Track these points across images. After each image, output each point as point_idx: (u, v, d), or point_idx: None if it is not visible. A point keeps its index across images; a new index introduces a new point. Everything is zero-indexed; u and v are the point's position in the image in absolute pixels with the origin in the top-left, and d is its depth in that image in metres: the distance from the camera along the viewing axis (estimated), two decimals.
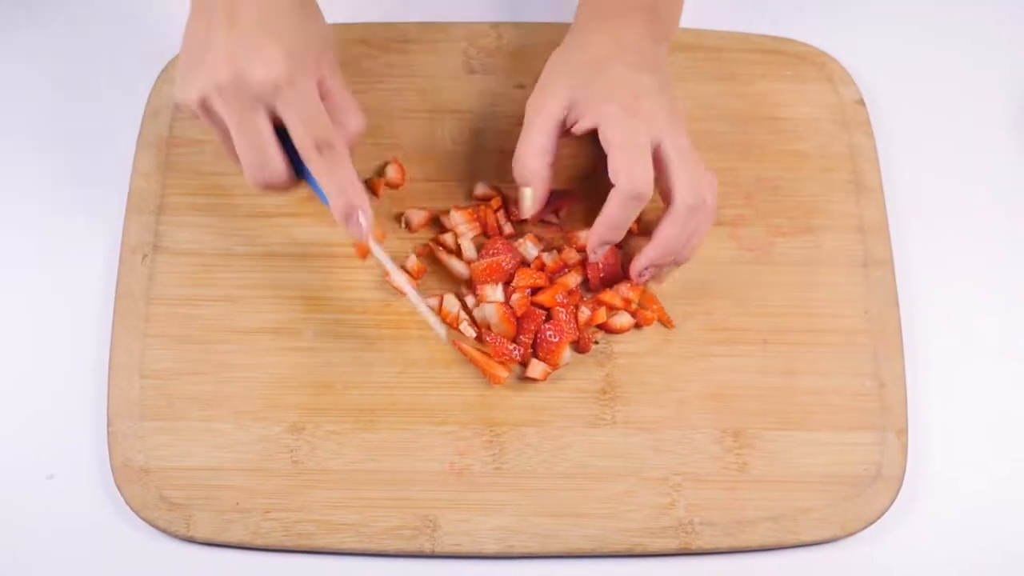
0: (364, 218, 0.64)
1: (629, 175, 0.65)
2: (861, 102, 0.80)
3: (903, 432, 0.71)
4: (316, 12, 0.68)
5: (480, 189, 0.76)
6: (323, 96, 0.65)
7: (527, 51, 0.81)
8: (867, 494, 0.69)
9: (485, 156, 0.77)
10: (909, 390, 0.72)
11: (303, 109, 0.63)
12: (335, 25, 0.80)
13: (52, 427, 0.71)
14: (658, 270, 0.71)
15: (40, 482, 0.70)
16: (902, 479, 0.70)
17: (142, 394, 0.70)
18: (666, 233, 0.68)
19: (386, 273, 0.70)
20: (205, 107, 0.64)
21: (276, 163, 0.64)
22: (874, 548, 0.69)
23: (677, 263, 0.73)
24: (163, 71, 0.80)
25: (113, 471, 0.69)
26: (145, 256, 0.74)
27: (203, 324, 0.72)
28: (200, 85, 0.63)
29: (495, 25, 0.82)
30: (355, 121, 0.66)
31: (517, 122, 0.78)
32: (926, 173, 0.80)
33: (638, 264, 0.70)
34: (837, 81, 0.81)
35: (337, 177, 0.64)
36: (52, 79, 0.81)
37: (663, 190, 0.68)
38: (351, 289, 0.74)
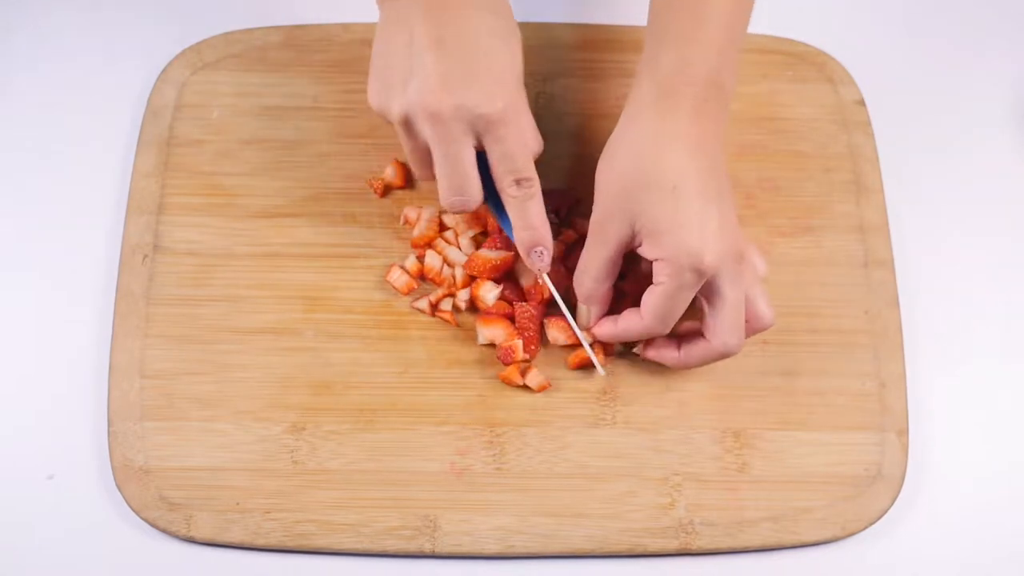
0: (547, 254, 0.67)
1: (658, 319, 0.65)
2: (861, 102, 0.80)
3: (903, 432, 0.71)
4: (516, 30, 0.67)
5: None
6: None
7: (527, 51, 0.80)
8: (867, 494, 0.69)
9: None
10: (909, 390, 0.72)
11: (509, 144, 0.64)
12: (335, 25, 0.81)
13: (52, 427, 0.71)
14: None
15: (40, 482, 0.70)
16: (902, 479, 0.70)
17: (142, 394, 0.70)
18: (695, 359, 0.68)
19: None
20: (406, 124, 0.64)
21: (474, 191, 0.66)
22: (874, 548, 0.70)
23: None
24: (163, 71, 0.80)
25: (113, 471, 0.69)
26: (145, 256, 0.74)
27: (203, 324, 0.72)
28: (405, 103, 0.63)
29: None
30: (536, 143, 0.67)
31: None
32: (926, 173, 0.80)
33: (650, 351, 0.70)
34: (837, 81, 0.81)
35: (529, 213, 0.66)
36: (52, 79, 0.81)
37: (706, 327, 0.66)
38: (351, 289, 0.74)
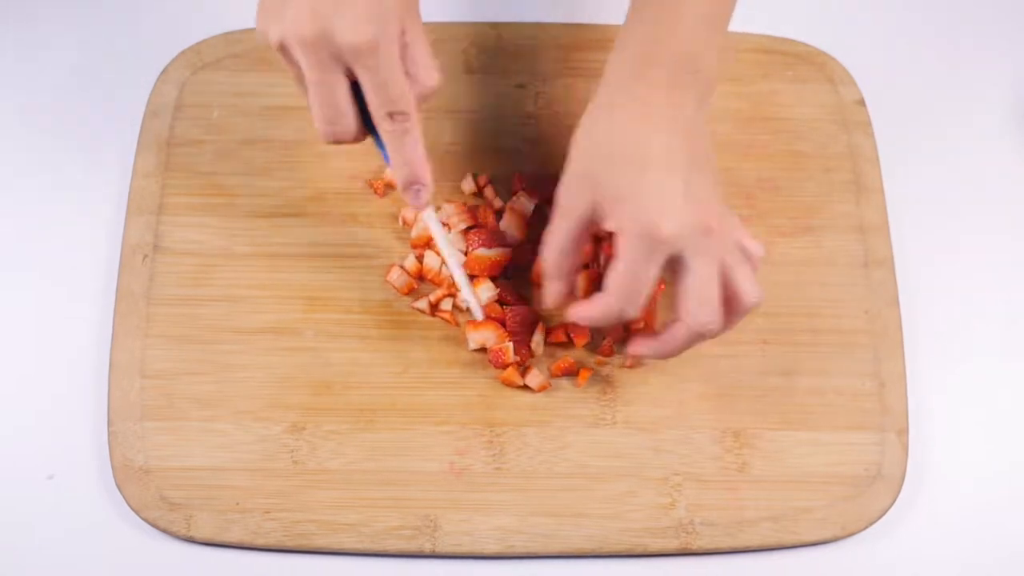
0: (425, 192, 0.65)
1: (622, 295, 0.62)
2: (861, 102, 0.80)
3: (903, 432, 0.71)
4: None
5: (468, 185, 0.76)
6: (401, 48, 0.63)
7: (527, 51, 0.81)
8: (867, 494, 0.69)
9: (484, 156, 0.77)
10: (909, 390, 0.72)
11: (381, 75, 0.62)
12: None
13: (52, 427, 0.71)
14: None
15: (40, 482, 0.70)
16: (902, 479, 0.70)
17: (142, 394, 0.70)
18: (670, 345, 0.65)
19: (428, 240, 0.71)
20: (283, 51, 0.63)
21: (348, 121, 0.64)
22: (874, 548, 0.69)
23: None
24: (163, 71, 0.80)
25: (113, 471, 0.69)
26: (145, 256, 0.74)
27: (204, 324, 0.72)
28: (280, 30, 0.62)
29: (495, 25, 0.82)
30: (429, 77, 0.65)
31: (517, 122, 0.78)
32: (926, 173, 0.80)
33: (575, 312, 0.67)
34: (837, 81, 0.81)
35: (405, 148, 0.64)
36: (52, 79, 0.81)
37: (675, 304, 0.64)
38: (351, 289, 0.74)
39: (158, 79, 0.79)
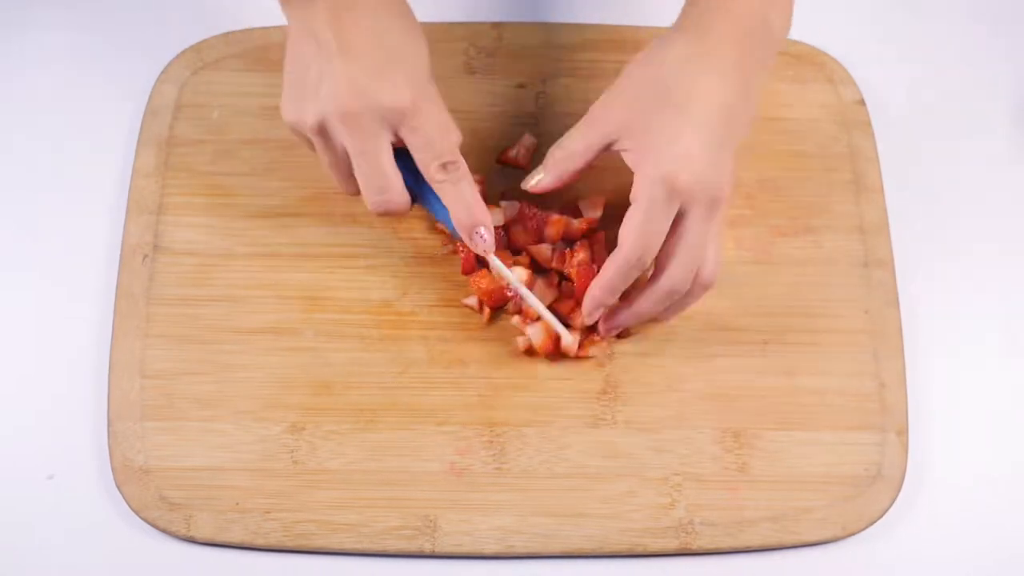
0: (488, 234, 0.66)
1: (636, 243, 0.63)
2: (861, 102, 0.80)
3: (903, 432, 0.71)
4: (420, 30, 0.67)
5: None
6: None
7: (527, 51, 0.81)
8: (867, 494, 0.69)
9: (485, 156, 0.77)
10: (909, 390, 0.72)
11: (427, 131, 0.64)
12: None
13: (52, 427, 0.71)
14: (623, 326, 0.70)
15: (40, 482, 0.70)
16: (902, 479, 0.70)
17: (142, 394, 0.70)
18: (642, 306, 0.67)
19: (504, 284, 0.71)
20: (321, 131, 0.65)
21: (396, 188, 0.66)
22: (874, 548, 0.69)
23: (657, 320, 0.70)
24: (163, 71, 0.80)
25: (113, 471, 0.69)
26: (145, 256, 0.74)
27: (203, 324, 0.72)
28: (318, 109, 0.64)
29: (495, 25, 0.82)
30: (455, 134, 0.67)
31: (517, 122, 0.78)
32: (926, 173, 0.80)
33: (606, 322, 0.69)
34: (837, 81, 0.81)
35: (463, 194, 0.66)
36: (52, 79, 0.81)
37: (658, 256, 0.64)
38: (351, 289, 0.74)
39: (158, 79, 0.79)
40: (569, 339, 0.70)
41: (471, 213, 0.66)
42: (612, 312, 0.69)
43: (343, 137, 0.64)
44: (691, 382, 0.72)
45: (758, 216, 0.76)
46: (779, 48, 0.66)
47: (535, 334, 0.71)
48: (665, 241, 0.63)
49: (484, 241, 0.67)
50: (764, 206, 0.77)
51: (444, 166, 0.65)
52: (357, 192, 0.67)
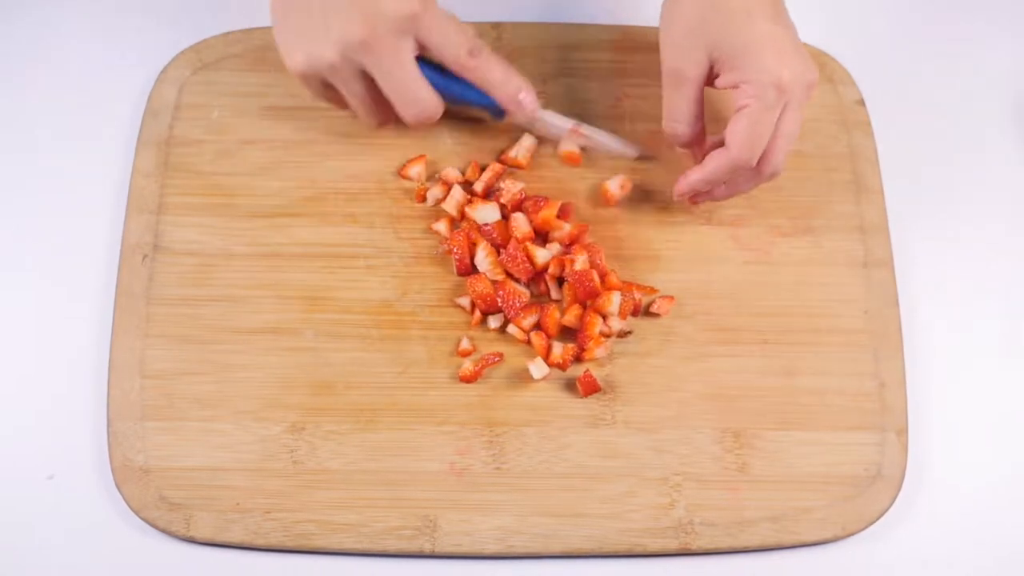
0: (530, 95, 0.71)
1: (747, 146, 0.66)
2: (861, 102, 0.80)
3: (903, 432, 0.71)
4: None
5: (451, 174, 0.77)
6: None
7: (527, 51, 0.81)
8: (867, 494, 0.69)
9: (485, 156, 0.77)
10: (909, 390, 0.72)
11: (444, 28, 0.67)
12: None
13: (52, 427, 0.71)
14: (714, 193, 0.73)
15: (40, 482, 0.70)
16: (902, 479, 0.70)
17: (142, 394, 0.70)
18: (741, 186, 0.71)
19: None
20: (343, 65, 0.66)
21: (428, 94, 0.69)
22: (874, 548, 0.70)
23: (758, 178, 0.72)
24: (163, 71, 0.80)
25: (113, 471, 0.69)
26: (145, 256, 0.74)
27: (203, 324, 0.72)
28: (335, 41, 0.65)
29: (495, 25, 0.82)
30: (465, 26, 0.69)
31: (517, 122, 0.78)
32: (926, 173, 0.80)
33: (685, 182, 0.71)
34: (837, 81, 0.81)
35: (495, 68, 0.69)
36: (52, 79, 0.81)
37: (732, 124, 0.67)
38: (351, 289, 0.74)
39: (158, 79, 0.79)
40: (632, 151, 0.75)
41: (510, 81, 0.69)
42: (685, 176, 0.71)
43: (367, 61, 0.66)
44: (691, 382, 0.72)
45: (758, 216, 0.76)
46: None
47: (537, 370, 0.71)
48: (739, 115, 0.66)
49: (529, 103, 0.70)
50: (764, 206, 0.77)
51: (471, 52, 0.68)
52: (386, 122, 0.71)
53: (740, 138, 0.66)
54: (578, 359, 0.71)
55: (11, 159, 0.79)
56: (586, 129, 0.74)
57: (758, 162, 0.67)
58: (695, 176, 0.69)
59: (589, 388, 0.70)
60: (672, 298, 0.73)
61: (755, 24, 0.65)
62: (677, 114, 0.69)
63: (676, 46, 0.68)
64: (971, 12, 0.86)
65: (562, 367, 0.71)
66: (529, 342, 0.72)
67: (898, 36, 0.85)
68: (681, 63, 0.67)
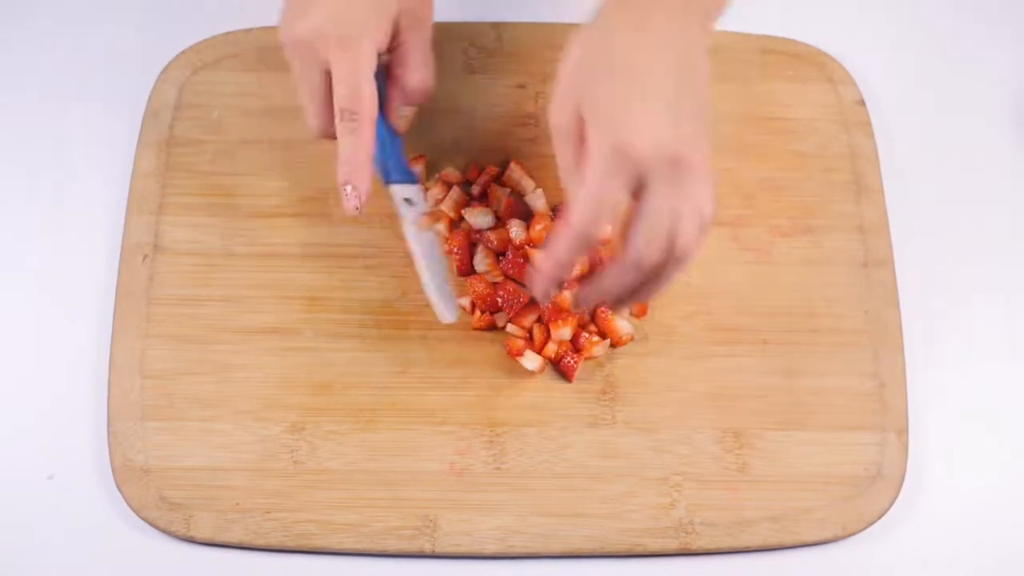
0: (355, 198, 0.65)
1: (583, 213, 0.58)
2: (861, 102, 0.80)
3: (903, 432, 0.71)
4: None
5: (452, 174, 0.77)
6: (392, 48, 0.66)
7: (527, 51, 0.81)
8: (867, 494, 0.69)
9: (485, 156, 0.77)
10: (909, 390, 0.72)
11: (339, 71, 0.64)
12: None
13: (52, 427, 0.71)
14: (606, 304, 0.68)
15: (40, 482, 0.70)
16: (902, 479, 0.70)
17: (142, 394, 0.70)
18: (608, 280, 0.61)
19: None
20: (309, 44, 0.65)
21: (315, 111, 0.66)
22: (874, 548, 0.69)
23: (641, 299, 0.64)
24: (163, 71, 0.80)
25: (113, 471, 0.69)
26: (145, 256, 0.74)
27: (203, 324, 0.72)
28: (283, 35, 0.65)
29: (495, 25, 0.82)
30: (416, 77, 0.66)
31: (517, 122, 0.78)
32: (926, 173, 0.80)
33: (575, 297, 0.65)
34: (837, 81, 0.81)
35: (347, 148, 0.65)
36: (52, 79, 0.81)
37: (626, 230, 0.60)
38: (351, 289, 0.74)
39: (158, 79, 0.79)
40: (449, 317, 0.68)
41: (349, 169, 0.65)
42: (583, 288, 0.64)
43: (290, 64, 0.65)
44: (691, 382, 0.72)
45: (758, 216, 0.76)
46: (723, 9, 0.62)
47: (530, 361, 0.71)
48: (632, 213, 0.59)
49: (348, 200, 0.65)
50: (764, 206, 0.77)
51: (341, 112, 0.64)
52: (328, 130, 0.67)
53: (579, 200, 0.58)
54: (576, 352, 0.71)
55: (11, 159, 0.79)
56: (422, 263, 0.69)
57: (624, 246, 0.59)
58: (541, 260, 0.61)
59: (569, 371, 0.70)
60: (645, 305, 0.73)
61: (629, 90, 0.58)
62: (560, 166, 0.61)
63: (558, 100, 0.61)
64: (971, 12, 0.86)
65: (555, 361, 0.71)
66: (530, 338, 0.72)
67: (898, 36, 0.85)
68: (560, 117, 0.60)
